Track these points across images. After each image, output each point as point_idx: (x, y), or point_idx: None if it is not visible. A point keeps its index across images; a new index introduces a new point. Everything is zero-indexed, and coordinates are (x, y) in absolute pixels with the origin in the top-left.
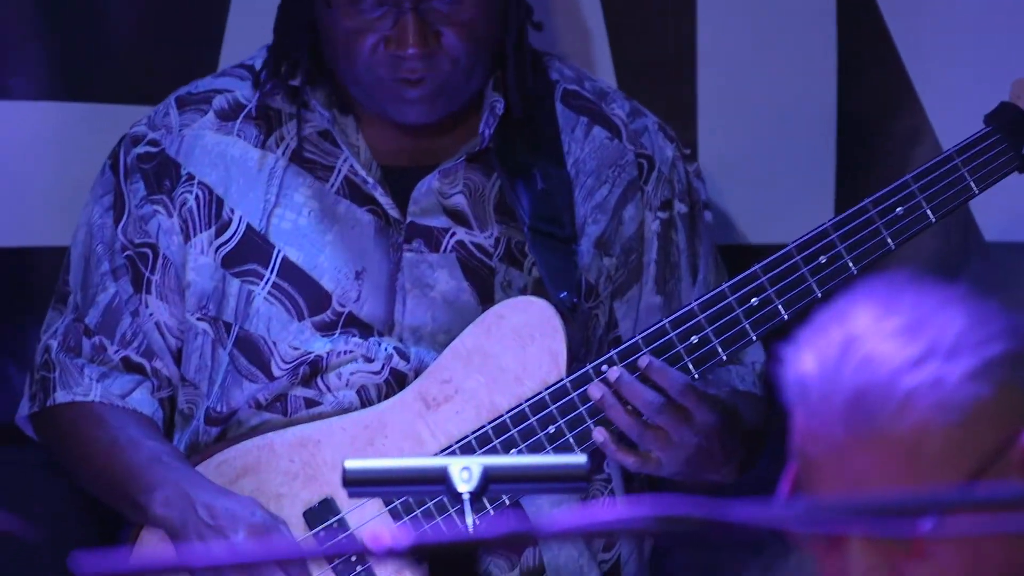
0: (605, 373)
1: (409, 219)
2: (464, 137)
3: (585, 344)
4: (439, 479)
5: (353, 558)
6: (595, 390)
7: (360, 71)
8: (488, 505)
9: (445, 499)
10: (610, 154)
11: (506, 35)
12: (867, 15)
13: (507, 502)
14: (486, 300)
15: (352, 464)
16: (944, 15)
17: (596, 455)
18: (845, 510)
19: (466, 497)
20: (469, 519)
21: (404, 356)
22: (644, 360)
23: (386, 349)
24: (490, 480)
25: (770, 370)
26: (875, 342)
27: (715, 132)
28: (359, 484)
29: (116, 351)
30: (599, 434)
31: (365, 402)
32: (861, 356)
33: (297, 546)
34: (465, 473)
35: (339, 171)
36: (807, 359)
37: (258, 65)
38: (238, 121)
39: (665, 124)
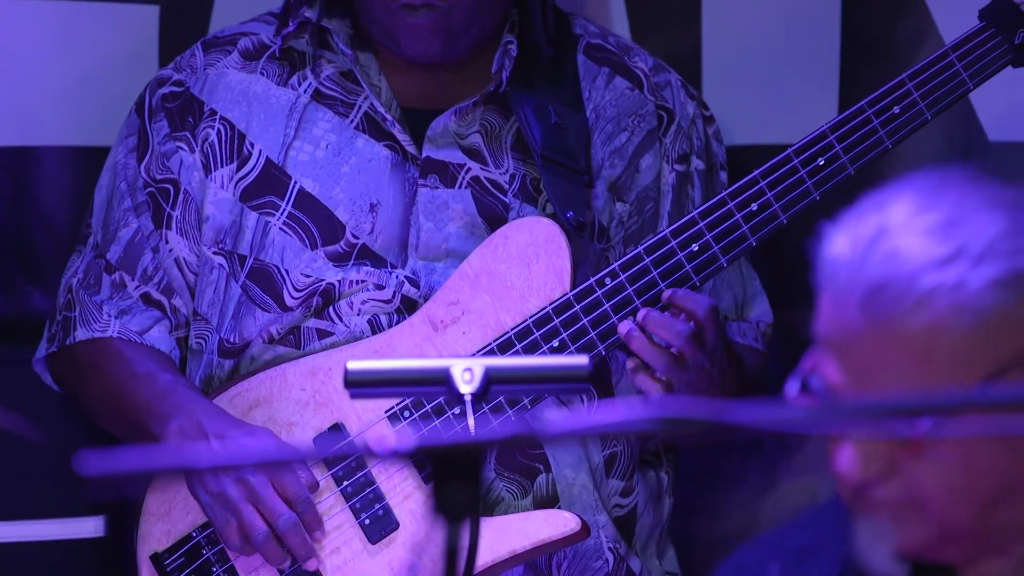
0: (625, 308)
1: (425, 154)
2: (483, 80)
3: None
4: (441, 380)
5: (357, 469)
6: (623, 325)
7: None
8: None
9: (443, 402)
10: (630, 103)
11: None
12: None
13: (508, 410)
14: None
15: (354, 365)
16: None
17: (600, 366)
18: (844, 411)
19: (468, 398)
20: (471, 420)
21: (415, 284)
22: (666, 294)
23: (397, 276)
24: (492, 381)
25: (774, 332)
26: (906, 236)
27: (719, 33)
28: (361, 385)
29: (136, 287)
30: (625, 326)
31: (376, 330)
32: (889, 248)
33: (298, 449)
34: (467, 374)
35: (359, 108)
36: (840, 242)
37: None
38: (262, 60)
39: (688, 84)
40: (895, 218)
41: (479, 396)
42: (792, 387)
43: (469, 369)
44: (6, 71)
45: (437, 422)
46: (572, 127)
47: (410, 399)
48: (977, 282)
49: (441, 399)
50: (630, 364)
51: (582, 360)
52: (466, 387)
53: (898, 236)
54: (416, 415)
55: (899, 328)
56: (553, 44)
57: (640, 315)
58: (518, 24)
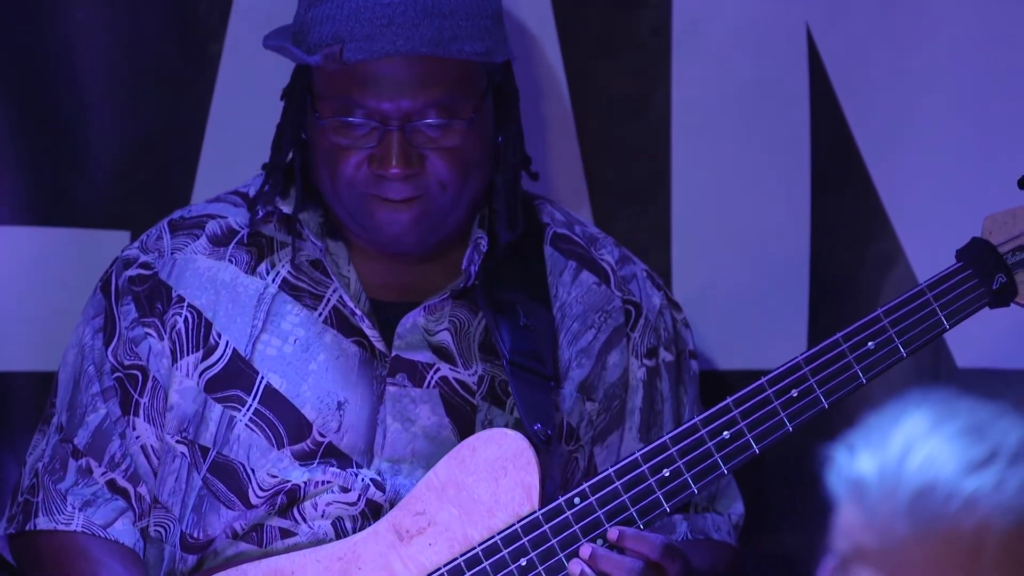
0: (580, 544)
1: (394, 353)
2: (451, 273)
3: (564, 487)
4: None
5: None
6: (573, 566)
7: (342, 189)
8: None
9: None
10: (597, 299)
11: (498, 174)
12: (840, 143)
13: None
14: (466, 437)
15: None
16: (917, 143)
17: None
18: None
19: None
20: None
21: (380, 487)
22: (614, 533)
23: (363, 480)
24: None
25: (742, 523)
26: (937, 442)
27: (688, 259)
28: None
29: (103, 473)
30: (575, 567)
31: (340, 533)
32: (924, 454)
33: None
34: None
35: (328, 300)
36: (864, 459)
37: (252, 192)
38: (230, 247)
39: (653, 272)
40: (917, 429)
41: None
42: None
43: None
44: None
45: None
46: (539, 327)
47: None
48: (1015, 481)
49: None
50: (575, 569)
51: None
52: None
53: (929, 443)
54: None
55: (948, 529)
56: (519, 238)
57: (585, 552)
58: (487, 219)
